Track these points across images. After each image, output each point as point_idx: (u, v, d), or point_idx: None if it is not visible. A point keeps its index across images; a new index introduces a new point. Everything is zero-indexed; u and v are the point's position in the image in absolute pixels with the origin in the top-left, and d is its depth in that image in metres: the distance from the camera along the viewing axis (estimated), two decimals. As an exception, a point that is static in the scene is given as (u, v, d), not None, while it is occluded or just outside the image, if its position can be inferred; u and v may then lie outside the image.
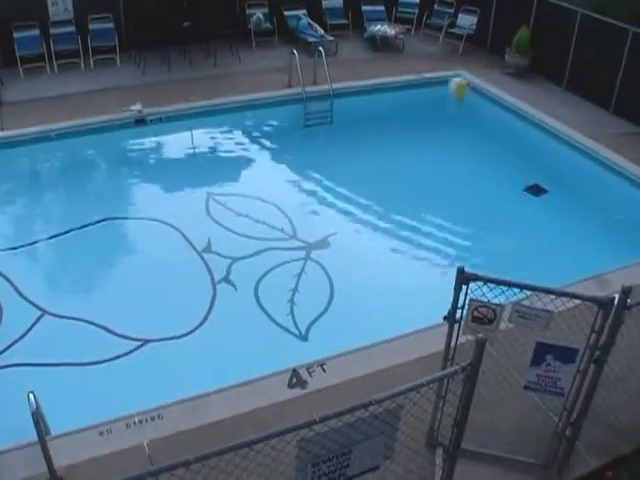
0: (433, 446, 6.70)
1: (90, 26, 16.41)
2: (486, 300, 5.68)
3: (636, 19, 14.07)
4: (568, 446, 6.45)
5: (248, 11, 17.87)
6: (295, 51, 15.09)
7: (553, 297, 5.65)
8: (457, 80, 15.46)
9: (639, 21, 13.98)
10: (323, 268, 10.27)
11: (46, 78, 15.85)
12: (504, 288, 5.63)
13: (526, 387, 6.10)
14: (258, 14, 17.73)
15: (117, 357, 8.50)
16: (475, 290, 5.67)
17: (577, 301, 5.77)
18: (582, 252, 10.71)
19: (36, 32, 15.99)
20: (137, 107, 14.03)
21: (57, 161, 13.82)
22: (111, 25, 16.62)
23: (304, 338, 9.04)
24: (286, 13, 18.21)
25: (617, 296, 5.46)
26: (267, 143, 14.42)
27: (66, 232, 11.01)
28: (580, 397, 6.05)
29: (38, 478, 6.34)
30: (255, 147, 14.25)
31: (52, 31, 16.14)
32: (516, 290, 5.65)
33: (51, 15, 16.27)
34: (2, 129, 13.52)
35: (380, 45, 18.29)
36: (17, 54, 15.75)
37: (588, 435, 6.72)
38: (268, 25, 17.96)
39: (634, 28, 13.90)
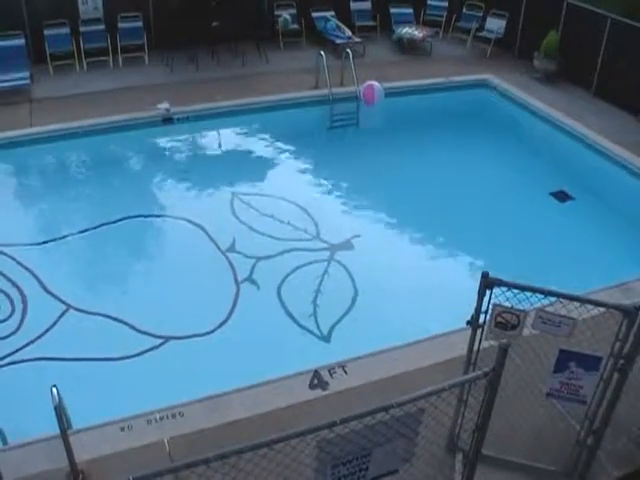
0: (453, 451, 6.68)
1: (119, 25, 16.54)
2: (510, 306, 5.66)
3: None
4: (589, 455, 6.40)
5: (276, 12, 17.92)
6: (322, 52, 15.11)
7: (577, 304, 5.61)
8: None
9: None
10: (346, 270, 10.25)
11: (75, 76, 16.01)
12: (528, 294, 5.59)
13: (548, 394, 6.06)
14: (285, 15, 17.78)
15: (140, 354, 8.54)
16: (499, 295, 5.65)
17: (601, 309, 5.71)
18: (607, 259, 10.62)
19: (66, 30, 16.16)
20: (164, 106, 14.11)
21: (84, 158, 13.94)
22: (140, 24, 16.75)
23: (326, 339, 9.03)
24: (314, 14, 18.24)
25: (642, 304, 5.41)
26: (293, 144, 14.42)
27: (92, 229, 11.11)
28: (603, 406, 6.00)
29: (59, 471, 6.42)
30: (281, 147, 14.28)
31: (82, 29, 16.31)
32: (540, 296, 5.61)
33: (81, 13, 16.44)
34: (31, 125, 13.68)
35: (408, 48, 18.27)
36: (47, 51, 15.93)
37: (610, 445, 6.67)
38: (296, 26, 18.01)
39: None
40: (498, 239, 11.15)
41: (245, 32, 16.73)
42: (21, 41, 15.75)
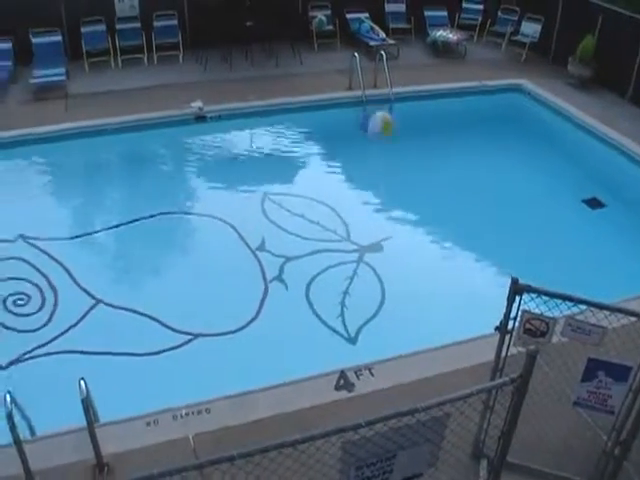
0: (478, 457, 6.64)
1: (155, 23, 16.68)
2: (539, 312, 5.62)
3: None
4: (616, 466, 6.32)
5: (311, 13, 17.95)
6: (356, 54, 15.11)
7: (607, 313, 5.56)
8: (380, 115, 13.90)
9: None
10: (375, 272, 10.23)
11: (110, 72, 16.17)
12: (558, 301, 5.56)
13: (575, 403, 6.00)
14: (320, 16, 17.79)
15: (168, 349, 8.59)
16: (528, 302, 5.62)
17: (632, 318, 5.66)
18: (638, 268, 10.50)
19: (102, 27, 16.35)
20: (198, 104, 14.20)
21: (118, 154, 14.08)
22: (175, 22, 16.87)
23: (353, 341, 9.02)
24: (348, 16, 18.23)
25: (674, 315, 5.35)
26: (325, 145, 14.45)
27: (124, 224, 11.22)
28: (631, 417, 5.93)
29: (85, 463, 6.50)
30: (313, 148, 14.31)
31: (118, 27, 16.47)
32: (570, 304, 5.57)
33: (117, 11, 16.60)
34: (66, 120, 13.84)
35: (442, 51, 18.21)
36: (83, 48, 16.12)
37: (638, 456, 6.60)
38: (330, 27, 18.00)
39: None
40: (528, 245, 11.06)
41: (279, 32, 16.76)
42: (58, 38, 16.01)
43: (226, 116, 14.41)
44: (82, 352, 8.48)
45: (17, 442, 6.00)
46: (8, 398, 5.90)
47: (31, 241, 10.59)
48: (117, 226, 11.21)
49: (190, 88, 15.16)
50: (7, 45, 15.70)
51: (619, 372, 5.62)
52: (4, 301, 9.38)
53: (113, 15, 16.52)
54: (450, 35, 18.09)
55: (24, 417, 6.55)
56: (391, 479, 4.71)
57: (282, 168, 13.47)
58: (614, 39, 15.76)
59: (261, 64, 16.75)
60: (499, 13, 18.84)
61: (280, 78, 16.04)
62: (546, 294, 5.52)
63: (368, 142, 14.18)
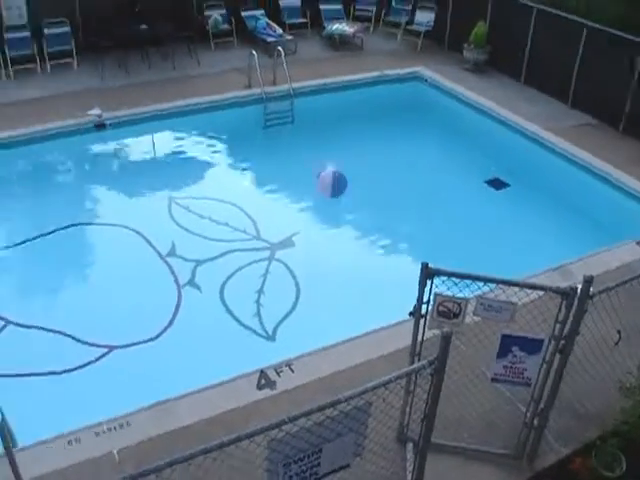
0: (403, 441, 6.73)
1: (45, 30, 16.18)
2: (451, 294, 5.72)
3: (589, 14, 14.33)
4: (537, 435, 6.53)
5: (206, 12, 17.75)
6: (254, 51, 15.06)
7: (517, 289, 5.70)
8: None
9: (593, 15, 14.23)
10: (288, 268, 10.26)
11: (1, 84, 15.58)
12: (468, 282, 5.67)
13: (493, 379, 6.16)
14: (216, 15, 17.64)
15: (84, 365, 8.39)
16: (439, 285, 5.71)
17: (541, 292, 5.83)
18: (545, 244, 10.84)
19: (-11, 38, 15.76)
20: (96, 112, 13.87)
21: (17, 169, 13.61)
22: (67, 29, 16.38)
23: (271, 339, 9.02)
24: (244, 14, 18.12)
25: (580, 286, 5.52)
26: (228, 144, 14.39)
27: (27, 241, 10.85)
28: (547, 387, 6.12)
29: (6, 491, 6.29)
30: (216, 149, 14.20)
31: (6, 36, 15.86)
32: (480, 284, 5.69)
33: (5, 19, 15.99)
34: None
35: (339, 44, 18.32)
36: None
37: (556, 424, 6.82)
38: (226, 26, 17.87)
39: (590, 23, 14.11)
40: (436, 229, 11.31)
41: (175, 34, 16.55)
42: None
43: (126, 122, 14.11)
44: (-5, 376, 8.19)
45: None
46: None
47: None
48: (22, 243, 10.84)
49: (87, 96, 14.77)
50: None
51: (532, 345, 5.79)
52: None
53: (1, 24, 15.94)
54: (346, 27, 18.21)
55: None
56: (319, 472, 4.73)
57: (187, 171, 13.30)
58: (505, 24, 16.21)
59: (158, 67, 16.48)
60: (393, 3, 19.10)
61: (178, 80, 15.83)
62: (456, 275, 5.63)
63: (270, 140, 14.22)
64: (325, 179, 12.02)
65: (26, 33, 16.11)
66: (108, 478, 3.84)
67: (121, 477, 3.87)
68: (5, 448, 5.86)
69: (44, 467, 6.56)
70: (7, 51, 15.74)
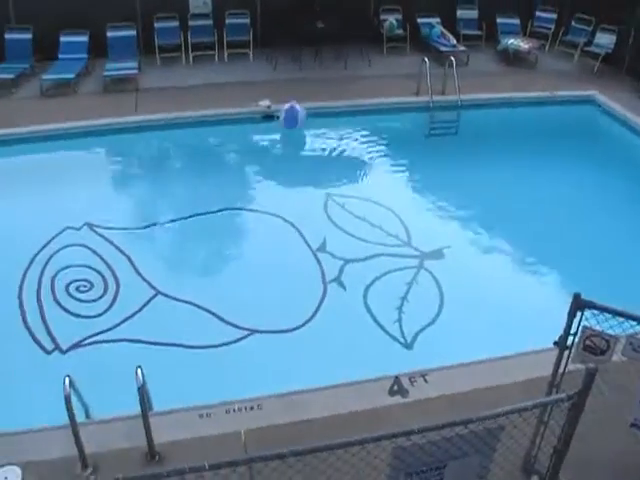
0: (529, 472, 6.49)
1: (227, 20, 16.85)
2: (600, 329, 5.46)
3: None
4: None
5: (382, 16, 17.89)
6: (426, 59, 15.00)
7: (673, 333, 5.37)
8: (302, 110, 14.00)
9: None
10: (435, 279, 10.10)
11: (181, 68, 16.45)
12: (620, 319, 5.39)
13: (633, 425, 5.83)
14: (391, 20, 17.73)
15: (224, 344, 8.62)
16: (590, 318, 5.46)
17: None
18: None
19: (175, 23, 16.63)
20: (266, 103, 14.28)
21: (184, 148, 14.25)
22: (247, 21, 17.04)
23: (409, 347, 8.91)
24: (419, 20, 18.13)
25: None
26: (390, 148, 14.35)
27: (186, 217, 11.34)
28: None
29: (137, 450, 6.57)
30: (377, 151, 14.22)
31: (190, 23, 16.70)
32: (633, 323, 5.39)
33: (191, 8, 16.84)
34: (136, 112, 14.07)
35: (512, 59, 17.94)
36: (156, 43, 16.37)
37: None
38: (401, 31, 17.92)
39: None
40: (594, 261, 10.79)
41: (350, 35, 16.76)
42: (132, 32, 16.33)
43: (293, 115, 14.41)
44: (140, 341, 8.59)
45: (73, 424, 6.11)
46: (67, 381, 6.01)
47: (96, 229, 10.80)
48: (180, 219, 11.35)
49: (259, 87, 15.27)
50: (83, 38, 16.12)
51: (683, 395, 5.44)
52: (67, 286, 9.56)
53: (186, 11, 16.78)
54: (522, 43, 17.81)
55: (81, 400, 6.61)
56: (441, 488, 4.64)
57: (346, 170, 13.44)
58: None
59: (330, 66, 16.76)
60: (573, 22, 18.44)
61: (348, 80, 16.03)
62: (608, 311, 5.36)
63: (432, 149, 14.09)
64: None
65: (209, 21, 16.85)
66: (233, 455, 3.89)
67: (247, 457, 3.95)
68: (142, 410, 6.16)
69: (174, 434, 6.80)
70: (189, 37, 16.50)
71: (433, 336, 9.05)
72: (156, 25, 16.46)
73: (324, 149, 14.55)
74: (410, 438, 4.17)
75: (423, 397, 7.40)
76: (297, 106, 13.83)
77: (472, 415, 4.23)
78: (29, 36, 15.88)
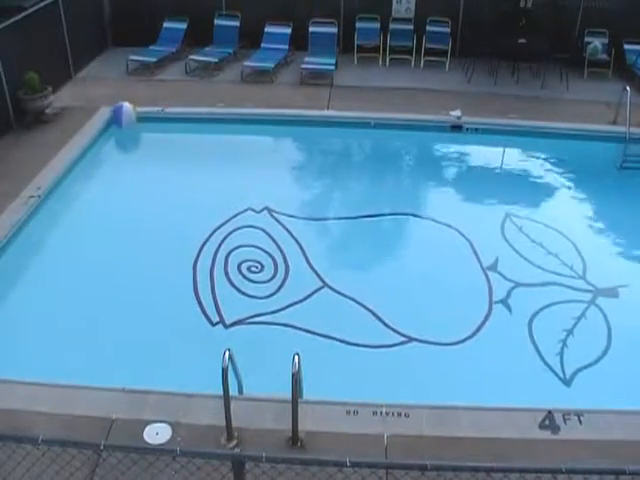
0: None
1: (427, 27, 16.91)
2: None
3: None
4: None
5: (586, 38, 17.26)
6: (628, 88, 14.31)
7: None
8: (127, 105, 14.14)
9: None
10: (605, 317, 9.63)
11: (376, 69, 16.69)
12: None
13: None
14: (596, 43, 17.04)
15: (381, 346, 8.68)
16: None
17: None
18: None
19: (376, 25, 17.00)
20: (457, 113, 14.19)
21: (370, 149, 14.46)
22: (447, 29, 17.02)
23: (567, 383, 8.56)
24: (626, 47, 17.27)
25: None
26: (577, 176, 13.79)
27: (360, 217, 11.51)
28: None
29: (281, 433, 6.76)
30: (563, 177, 13.73)
31: (391, 26, 16.97)
32: None
33: (393, 12, 17.09)
34: (328, 108, 14.41)
35: None
36: (355, 43, 16.70)
37: None
38: (605, 56, 17.20)
39: None
40: None
41: (550, 54, 16.33)
42: (334, 29, 16.77)
43: (482, 130, 14.27)
44: (300, 328, 8.80)
45: (226, 397, 6.37)
46: (227, 355, 6.26)
47: (275, 215, 11.18)
48: (355, 217, 11.51)
49: (451, 96, 15.21)
50: (286, 30, 16.77)
51: None
52: (240, 265, 9.95)
53: (388, 15, 17.03)
54: None
55: (236, 375, 6.86)
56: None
57: (529, 191, 13.06)
58: None
59: (526, 83, 16.39)
60: None
61: (543, 100, 15.61)
62: None
63: (622, 181, 13.45)
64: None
65: (409, 26, 17.01)
66: (372, 457, 3.92)
67: (387, 461, 3.96)
68: (293, 396, 6.31)
69: (319, 425, 6.95)
70: (388, 40, 16.69)
71: (594, 376, 8.64)
72: (357, 25, 16.82)
73: (508, 168, 14.27)
74: (555, 476, 4.04)
75: (574, 437, 7.06)
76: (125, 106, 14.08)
77: (625, 466, 4.02)
78: (237, 24, 16.79)
